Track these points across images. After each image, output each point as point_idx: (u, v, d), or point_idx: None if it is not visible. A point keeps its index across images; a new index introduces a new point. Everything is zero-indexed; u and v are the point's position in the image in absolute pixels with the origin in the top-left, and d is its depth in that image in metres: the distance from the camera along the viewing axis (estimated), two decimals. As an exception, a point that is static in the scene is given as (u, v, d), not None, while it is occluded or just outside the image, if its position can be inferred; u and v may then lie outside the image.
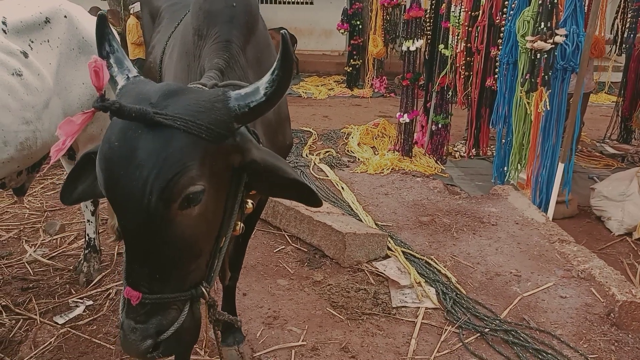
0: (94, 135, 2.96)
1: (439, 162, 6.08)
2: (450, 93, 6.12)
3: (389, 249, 3.49)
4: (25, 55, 2.42)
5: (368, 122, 7.57)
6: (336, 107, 9.43)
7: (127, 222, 1.20)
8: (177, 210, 1.17)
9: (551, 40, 4.05)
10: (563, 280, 3.18)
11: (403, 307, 2.94)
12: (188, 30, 1.81)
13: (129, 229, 1.21)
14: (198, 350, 2.52)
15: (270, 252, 3.50)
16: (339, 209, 3.89)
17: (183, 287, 1.29)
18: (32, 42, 2.52)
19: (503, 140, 5.05)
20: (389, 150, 6.19)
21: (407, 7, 6.56)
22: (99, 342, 2.59)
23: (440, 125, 6.26)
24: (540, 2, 4.12)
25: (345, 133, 7.19)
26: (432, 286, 3.12)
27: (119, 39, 1.44)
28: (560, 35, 4.03)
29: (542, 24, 4.09)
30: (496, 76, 5.27)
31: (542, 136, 4.52)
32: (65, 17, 2.69)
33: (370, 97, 10.42)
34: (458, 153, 6.51)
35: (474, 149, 6.13)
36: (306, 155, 5.94)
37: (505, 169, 5.08)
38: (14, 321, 2.70)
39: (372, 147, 6.50)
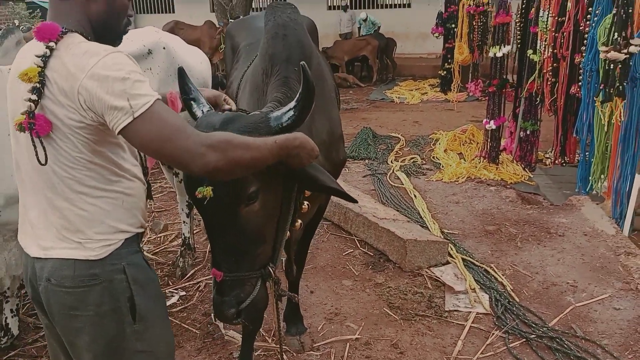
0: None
1: (527, 169, 6.08)
2: (538, 99, 6.10)
3: (450, 255, 3.71)
4: None
5: (457, 128, 7.63)
6: (428, 112, 9.51)
7: (208, 217, 1.63)
8: (242, 206, 1.58)
9: (625, 50, 4.04)
10: (620, 293, 3.24)
11: (455, 310, 3.17)
12: (257, 70, 2.22)
13: (210, 223, 1.64)
14: (267, 338, 2.94)
15: (340, 254, 3.86)
16: (405, 217, 4.16)
17: (254, 267, 1.71)
18: None
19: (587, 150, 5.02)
20: (476, 157, 6.28)
21: (495, 13, 6.62)
22: (187, 327, 3.09)
23: (528, 132, 6.24)
24: (614, 12, 4.11)
25: (433, 139, 7.32)
26: (486, 293, 3.32)
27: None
28: (635, 45, 4.00)
29: (616, 34, 4.08)
30: (580, 84, 5.24)
31: (621, 146, 4.48)
32: (164, 48, 3.22)
33: (465, 100, 10.40)
34: (549, 160, 6.44)
35: (561, 157, 6.07)
36: (391, 162, 6.18)
37: (590, 178, 5.05)
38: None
39: (459, 154, 6.60)
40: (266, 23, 2.20)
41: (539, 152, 6.34)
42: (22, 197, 1.50)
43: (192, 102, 1.77)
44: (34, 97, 1.30)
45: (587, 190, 5.08)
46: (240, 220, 1.60)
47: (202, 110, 1.73)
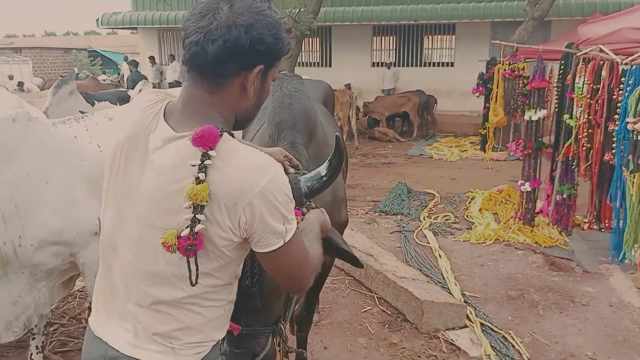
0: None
1: (562, 233, 5.99)
2: (574, 163, 6.07)
3: (468, 319, 3.69)
4: None
5: (494, 187, 7.60)
6: (466, 170, 9.50)
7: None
8: None
9: (654, 123, 4.03)
10: (641, 369, 3.14)
11: (468, 376, 3.14)
12: (265, 135, 2.38)
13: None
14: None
15: (358, 311, 3.89)
16: (426, 277, 4.17)
17: (268, 323, 1.78)
18: None
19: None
20: (511, 218, 6.24)
21: (531, 77, 6.70)
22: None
23: (565, 196, 6.18)
24: (643, 83, 4.13)
25: (469, 197, 7.30)
26: (501, 360, 3.27)
27: None
28: (664, 118, 3.99)
29: (643, 105, 4.09)
30: (614, 151, 5.21)
31: (652, 217, 4.40)
32: None
33: (505, 159, 10.35)
34: (587, 225, 6.32)
35: (596, 223, 5.96)
36: (423, 219, 6.19)
37: (623, 246, 4.94)
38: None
39: (494, 214, 6.56)
40: (273, 93, 2.36)
41: (576, 216, 6.26)
42: (109, 280, 1.35)
43: None
44: (201, 216, 1.17)
45: (620, 259, 4.97)
46: (267, 279, 1.68)
47: None
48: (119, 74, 19.74)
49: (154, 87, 13.63)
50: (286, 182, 1.25)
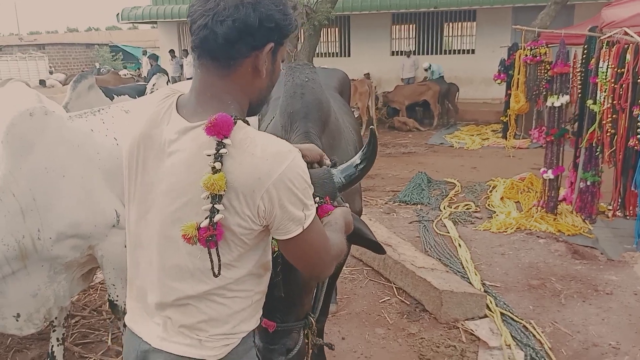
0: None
1: (586, 221, 5.89)
2: (598, 150, 5.94)
3: (488, 309, 3.64)
4: None
5: (516, 175, 7.49)
6: (487, 158, 9.37)
7: (274, 272, 1.67)
8: None
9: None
10: (666, 359, 3.07)
11: (487, 366, 3.11)
12: (277, 127, 2.36)
13: (275, 277, 1.69)
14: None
15: (376, 301, 3.87)
16: (445, 266, 4.13)
17: (300, 317, 1.78)
18: None
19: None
20: (534, 206, 6.14)
21: (553, 63, 6.57)
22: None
23: (589, 183, 6.06)
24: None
25: (490, 186, 7.21)
26: (522, 350, 3.22)
27: None
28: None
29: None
30: (639, 136, 5.09)
31: (678, 203, 4.29)
32: None
33: (528, 147, 10.19)
34: (612, 212, 6.19)
35: (620, 210, 5.84)
36: (443, 208, 6.12)
37: (648, 234, 4.84)
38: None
39: (516, 202, 6.47)
40: (285, 83, 2.34)
41: (600, 204, 6.13)
42: (138, 277, 1.36)
43: None
44: (220, 206, 1.16)
45: (644, 246, 4.86)
46: (300, 275, 1.68)
47: None
48: (139, 68, 19.91)
49: (175, 80, 13.71)
50: (304, 168, 1.23)
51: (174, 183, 1.22)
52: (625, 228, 5.52)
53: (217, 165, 1.15)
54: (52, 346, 3.02)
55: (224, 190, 1.15)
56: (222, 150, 1.15)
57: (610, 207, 6.23)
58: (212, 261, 1.20)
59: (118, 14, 17.62)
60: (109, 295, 2.96)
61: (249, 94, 1.28)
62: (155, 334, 1.31)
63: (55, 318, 2.92)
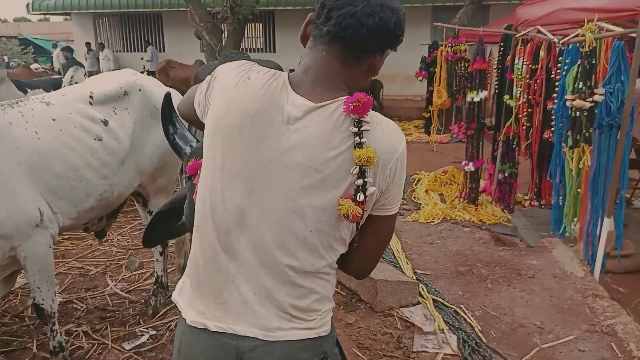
0: (162, 187, 3.55)
1: (505, 210, 6.19)
2: (515, 142, 6.26)
3: (421, 296, 3.75)
4: (106, 123, 3.03)
5: (439, 169, 7.75)
6: (411, 153, 9.41)
7: None
8: None
9: (590, 99, 4.20)
10: (585, 335, 3.29)
11: (423, 351, 3.20)
12: None
13: None
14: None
15: (312, 294, 3.88)
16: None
17: None
18: (114, 110, 3.14)
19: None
20: (456, 198, 6.39)
21: (472, 60, 6.85)
22: (155, 366, 3.09)
23: (507, 174, 6.37)
24: (579, 62, 4.29)
25: (415, 179, 7.42)
26: (454, 333, 3.35)
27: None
28: (600, 95, 4.16)
29: (581, 83, 4.25)
30: (553, 129, 5.40)
31: (590, 191, 4.60)
32: (139, 90, 3.31)
33: (448, 142, 10.59)
34: (528, 202, 6.55)
35: (537, 200, 6.19)
36: (371, 201, 6.23)
37: (563, 221, 5.15)
38: (90, 345, 3.27)
39: (439, 194, 6.70)
40: None
41: (517, 194, 6.47)
42: (222, 267, 1.29)
43: (176, 138, 1.76)
44: (369, 179, 1.21)
45: (560, 233, 5.18)
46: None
47: (189, 145, 1.73)
48: (52, 62, 18.85)
49: (92, 74, 13.07)
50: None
51: (308, 159, 1.21)
52: (541, 217, 5.87)
53: (363, 140, 1.19)
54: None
55: (375, 164, 1.20)
56: (366, 127, 1.21)
57: (527, 197, 6.60)
58: (353, 234, 1.28)
59: (28, 4, 16.59)
60: (34, 299, 2.80)
61: (355, 88, 1.30)
62: (261, 325, 1.25)
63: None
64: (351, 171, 1.20)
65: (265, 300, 1.25)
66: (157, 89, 3.50)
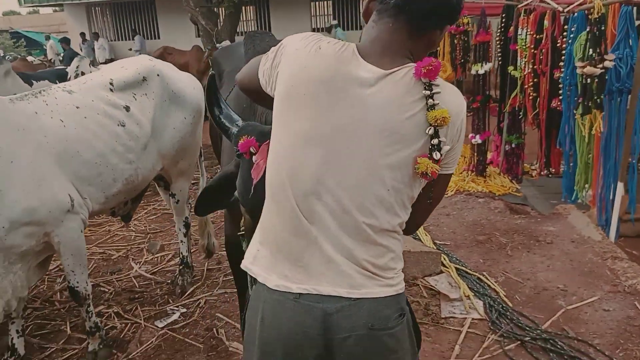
0: (183, 170, 3.58)
1: (514, 181, 6.24)
2: (521, 113, 6.28)
3: (443, 265, 3.81)
4: (127, 109, 3.06)
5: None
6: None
7: None
8: None
9: (601, 65, 4.22)
10: (609, 295, 3.36)
11: (451, 317, 3.26)
12: (240, 94, 2.31)
13: None
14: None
15: (336, 268, 3.93)
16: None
17: None
18: (134, 95, 3.16)
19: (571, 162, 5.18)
20: (464, 170, 6.44)
21: (475, 32, 6.84)
22: (191, 341, 3.14)
23: (514, 145, 6.41)
24: (588, 29, 4.31)
25: (421, 154, 7.44)
26: (480, 299, 3.41)
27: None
28: (610, 61, 4.19)
29: (591, 50, 4.27)
30: (561, 98, 5.42)
31: (602, 156, 4.64)
32: (158, 75, 3.33)
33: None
34: (535, 172, 6.60)
35: (546, 169, 6.24)
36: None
37: (574, 188, 5.21)
38: (123, 325, 3.33)
39: (447, 168, 6.73)
40: (246, 52, 2.27)
41: (525, 165, 6.52)
42: (304, 232, 1.31)
43: (222, 118, 1.77)
44: (443, 138, 1.27)
45: (572, 199, 5.23)
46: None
47: (236, 125, 1.73)
48: (45, 54, 18.67)
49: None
50: None
51: (385, 122, 1.27)
52: (549, 185, 5.92)
53: (437, 102, 1.25)
54: (12, 338, 2.86)
55: (448, 123, 1.26)
56: (437, 89, 1.26)
57: (534, 167, 6.66)
58: (429, 193, 1.36)
59: (19, -4, 16.42)
60: (69, 282, 2.84)
61: (418, 58, 1.33)
62: (346, 283, 1.29)
63: (14, 310, 2.76)
64: (426, 131, 1.26)
65: (347, 260, 1.29)
66: (175, 74, 3.52)
